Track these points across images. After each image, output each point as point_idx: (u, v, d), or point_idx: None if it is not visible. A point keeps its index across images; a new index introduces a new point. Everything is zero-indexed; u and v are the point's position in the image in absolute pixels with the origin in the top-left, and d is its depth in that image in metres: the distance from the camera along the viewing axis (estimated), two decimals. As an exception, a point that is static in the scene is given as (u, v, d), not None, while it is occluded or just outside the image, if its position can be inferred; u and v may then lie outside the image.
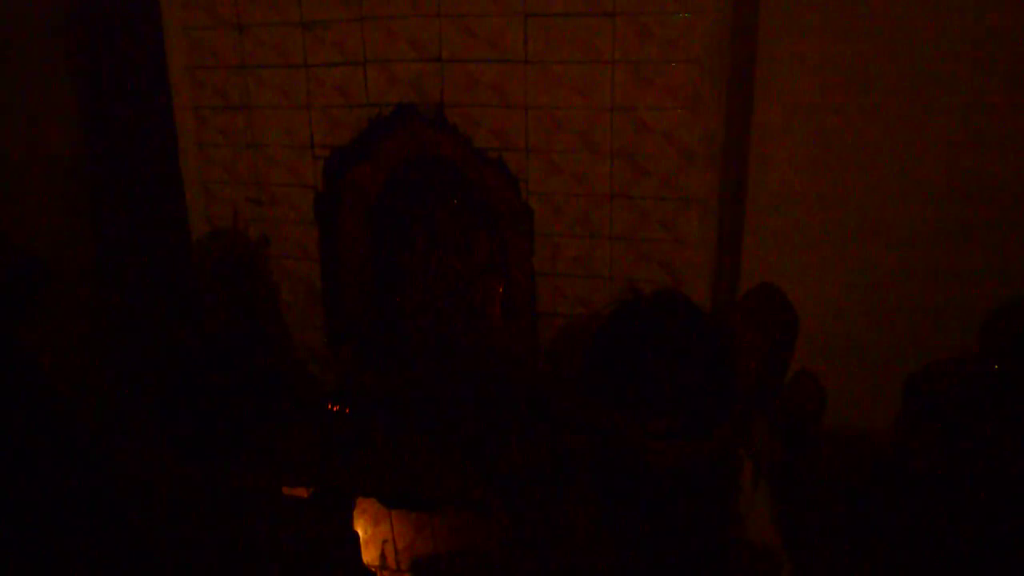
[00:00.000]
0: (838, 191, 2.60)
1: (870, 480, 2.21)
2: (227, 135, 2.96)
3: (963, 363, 2.05)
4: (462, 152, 2.71)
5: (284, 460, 2.60)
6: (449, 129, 2.68)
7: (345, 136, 2.82)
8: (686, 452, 1.15)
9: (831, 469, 2.37)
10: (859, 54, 2.47)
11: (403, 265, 3.04)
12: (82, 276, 3.18)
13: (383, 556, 2.57)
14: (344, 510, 2.43)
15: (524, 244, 2.72)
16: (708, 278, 2.53)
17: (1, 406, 1.96)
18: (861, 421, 2.53)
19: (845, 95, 2.52)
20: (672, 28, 2.37)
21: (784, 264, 2.63)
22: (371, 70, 2.71)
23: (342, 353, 3.03)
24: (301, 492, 2.51)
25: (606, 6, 2.41)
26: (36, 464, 1.96)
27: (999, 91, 2.40)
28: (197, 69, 2.93)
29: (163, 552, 1.90)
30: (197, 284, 3.02)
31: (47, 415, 2.03)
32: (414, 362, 3.04)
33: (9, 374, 1.99)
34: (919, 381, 2.09)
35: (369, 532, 2.59)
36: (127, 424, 2.57)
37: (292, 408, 2.91)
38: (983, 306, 2.29)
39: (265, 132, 2.91)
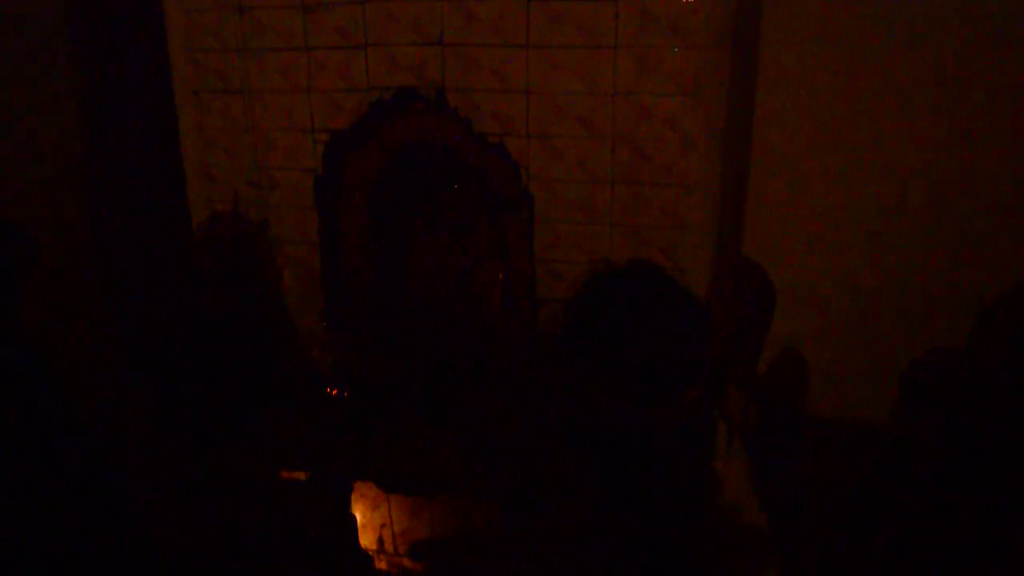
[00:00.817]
0: (841, 179, 2.59)
1: (868, 469, 2.21)
2: (227, 118, 2.95)
3: (960, 352, 2.05)
4: (463, 137, 2.69)
5: (283, 444, 2.60)
6: (450, 113, 2.67)
7: (346, 120, 2.81)
8: (658, 415, 1.17)
9: (828, 456, 2.37)
10: (864, 41, 2.46)
11: (403, 250, 3.03)
12: (82, 258, 3.18)
13: (381, 540, 2.58)
14: (342, 493, 2.44)
15: (525, 230, 2.71)
16: (709, 264, 2.53)
17: None
18: (860, 410, 2.53)
19: (849, 83, 2.51)
20: (675, 13, 2.35)
21: (785, 251, 2.62)
22: (372, 53, 2.70)
23: (342, 338, 3.03)
24: (300, 476, 2.52)
25: (609, -9, 2.39)
26: (31, 443, 1.96)
27: (1002, 85, 2.39)
28: (197, 51, 2.91)
29: (160, 534, 1.90)
30: (197, 268, 3.01)
31: (42, 395, 2.02)
32: (414, 347, 3.04)
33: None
34: (917, 370, 2.08)
35: (367, 516, 2.59)
36: (125, 407, 2.57)
37: (292, 392, 2.91)
38: (980, 297, 2.29)
39: (266, 116, 2.90)
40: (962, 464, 1.92)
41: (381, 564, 2.54)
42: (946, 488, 1.93)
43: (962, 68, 2.40)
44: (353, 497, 2.53)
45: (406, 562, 2.52)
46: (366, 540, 2.54)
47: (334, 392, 2.83)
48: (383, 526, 2.60)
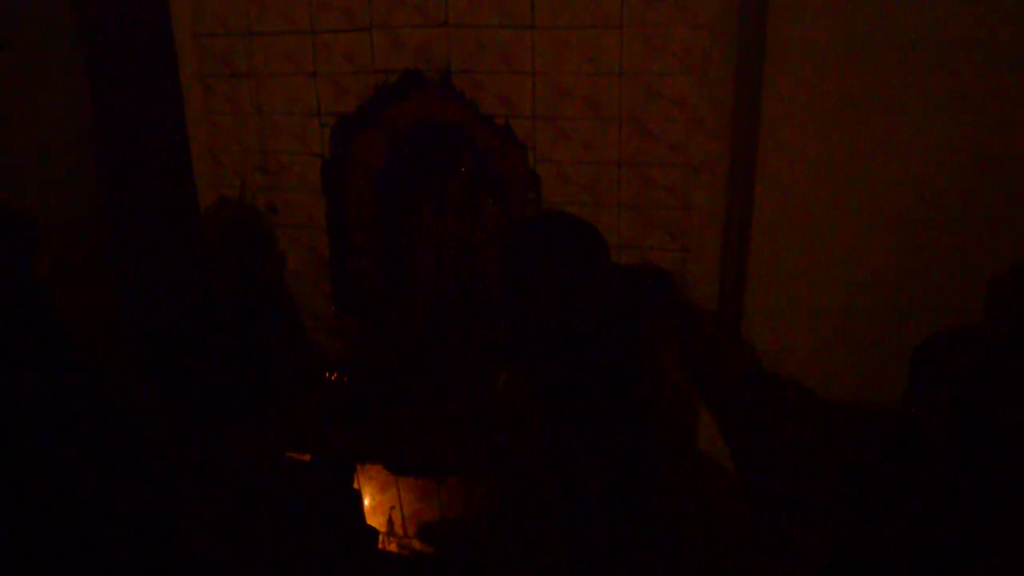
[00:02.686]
0: (851, 159, 2.56)
1: (880, 450, 2.20)
2: (234, 103, 2.95)
3: (970, 330, 2.03)
4: (469, 119, 2.69)
5: (287, 427, 2.61)
6: (456, 95, 2.66)
7: (352, 103, 2.81)
8: (582, 304, 1.48)
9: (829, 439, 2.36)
10: (876, 18, 2.43)
11: (410, 234, 3.03)
12: (91, 245, 3.19)
13: (390, 522, 2.59)
14: (345, 472, 2.45)
15: (532, 212, 2.70)
16: (717, 245, 2.52)
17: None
18: (870, 393, 2.51)
19: (861, 59, 2.47)
20: (682, -9, 2.34)
21: (795, 233, 2.60)
22: (377, 36, 2.69)
23: (349, 322, 3.04)
24: (305, 458, 2.52)
25: (615, -31, 2.38)
26: (48, 429, 1.97)
27: (1010, 74, 2.36)
28: (203, 36, 2.91)
29: (164, 513, 1.91)
30: (204, 253, 3.02)
31: (61, 377, 2.04)
32: (421, 332, 3.04)
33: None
34: (927, 350, 2.07)
35: (376, 499, 2.61)
36: (131, 390, 2.59)
37: (298, 377, 2.92)
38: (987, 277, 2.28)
39: (272, 100, 2.90)
40: (975, 441, 1.91)
41: (391, 546, 2.56)
42: (957, 466, 1.92)
43: (981, 40, 2.37)
44: (359, 477, 2.55)
45: (415, 543, 2.53)
46: (376, 522, 2.55)
47: (333, 376, 2.84)
48: (392, 508, 2.61)
